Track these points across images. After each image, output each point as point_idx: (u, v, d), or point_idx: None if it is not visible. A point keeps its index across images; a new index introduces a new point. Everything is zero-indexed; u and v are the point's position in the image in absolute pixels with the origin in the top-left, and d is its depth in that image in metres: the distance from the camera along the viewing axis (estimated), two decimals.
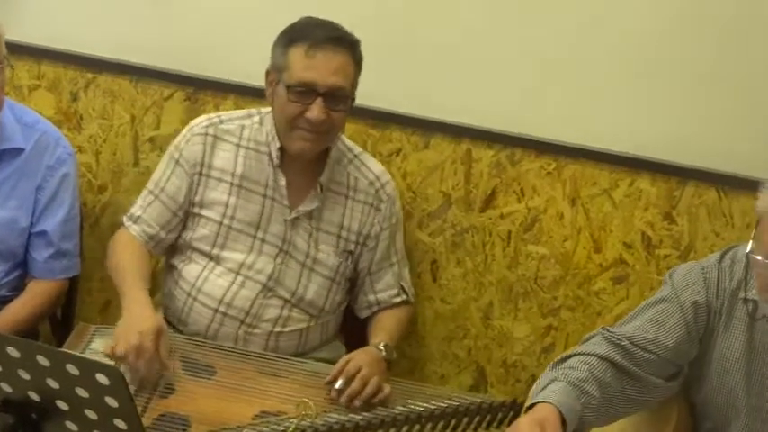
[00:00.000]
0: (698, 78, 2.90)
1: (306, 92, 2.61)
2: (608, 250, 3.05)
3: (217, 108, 3.10)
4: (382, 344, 2.69)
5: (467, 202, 3.10)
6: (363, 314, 2.91)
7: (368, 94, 3.01)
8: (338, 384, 2.55)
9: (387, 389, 2.58)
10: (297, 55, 2.62)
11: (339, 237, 2.80)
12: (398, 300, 2.91)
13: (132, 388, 2.37)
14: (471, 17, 2.97)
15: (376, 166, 2.87)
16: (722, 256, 2.35)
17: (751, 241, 2.18)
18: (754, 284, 2.22)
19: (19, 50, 2.98)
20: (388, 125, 3.09)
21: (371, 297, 2.89)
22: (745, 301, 2.29)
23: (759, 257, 2.14)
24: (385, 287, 2.89)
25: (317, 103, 2.61)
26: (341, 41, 2.64)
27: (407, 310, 2.95)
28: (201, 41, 3.11)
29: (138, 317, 2.53)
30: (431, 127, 3.07)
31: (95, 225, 3.25)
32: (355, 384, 2.54)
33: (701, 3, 2.85)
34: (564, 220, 3.06)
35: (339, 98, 2.64)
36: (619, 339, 2.28)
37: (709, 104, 2.91)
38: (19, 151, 2.79)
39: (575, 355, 2.27)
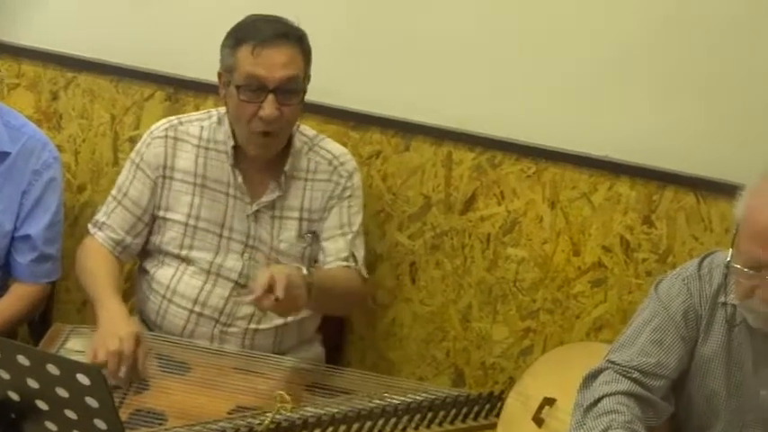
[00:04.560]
0: (678, 83, 2.91)
1: (256, 89, 2.61)
2: (587, 254, 3.05)
3: (197, 108, 3.09)
4: (305, 269, 2.58)
5: (447, 205, 3.10)
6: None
7: (348, 95, 3.03)
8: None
9: (304, 311, 2.65)
10: (244, 54, 2.61)
11: (301, 219, 2.78)
12: (347, 264, 2.78)
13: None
14: (454, 20, 2.97)
15: (336, 148, 2.86)
16: (700, 264, 2.36)
17: (731, 249, 2.20)
18: (733, 291, 2.24)
19: None
20: (369, 127, 3.09)
21: (320, 258, 2.80)
22: (724, 305, 2.30)
23: (738, 266, 2.15)
24: (335, 252, 2.79)
25: (269, 100, 2.60)
26: (287, 36, 2.63)
27: (354, 278, 2.79)
28: (182, 42, 3.11)
29: (116, 324, 2.54)
30: (412, 129, 3.07)
31: (74, 225, 3.23)
32: (280, 275, 2.43)
33: (684, 8, 2.86)
34: (543, 223, 3.07)
35: (291, 91, 2.63)
36: (629, 372, 2.29)
37: (688, 109, 2.93)
38: (5, 155, 2.78)
39: (602, 398, 2.26)
